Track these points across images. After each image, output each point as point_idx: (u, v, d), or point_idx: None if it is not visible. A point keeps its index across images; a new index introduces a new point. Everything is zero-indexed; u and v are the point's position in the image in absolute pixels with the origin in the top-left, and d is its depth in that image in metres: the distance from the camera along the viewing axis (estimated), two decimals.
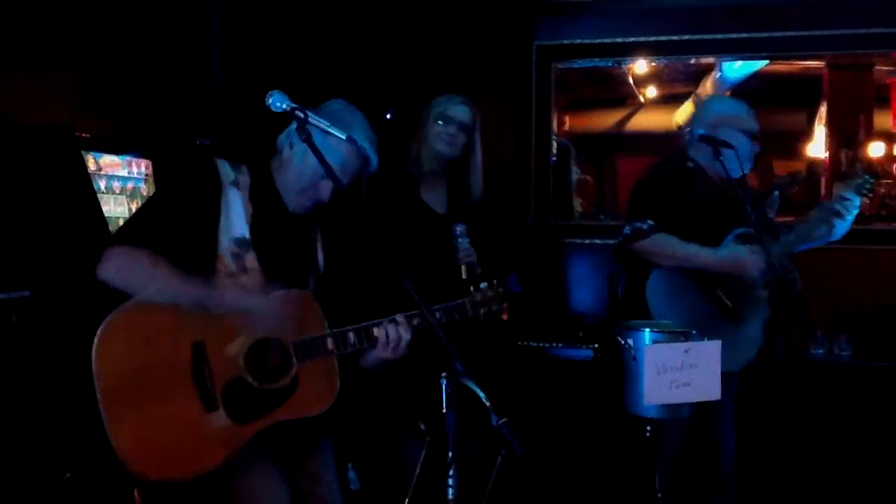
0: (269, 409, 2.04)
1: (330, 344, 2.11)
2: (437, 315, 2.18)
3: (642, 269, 2.92)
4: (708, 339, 2.44)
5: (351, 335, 2.12)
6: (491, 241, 2.92)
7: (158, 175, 3.58)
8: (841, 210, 3.00)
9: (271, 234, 2.16)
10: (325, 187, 2.16)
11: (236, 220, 2.10)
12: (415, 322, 2.17)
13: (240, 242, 2.09)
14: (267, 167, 2.22)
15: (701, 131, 2.97)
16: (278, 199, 2.19)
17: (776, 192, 5.11)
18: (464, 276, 2.74)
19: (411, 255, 2.42)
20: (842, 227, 3.01)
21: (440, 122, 2.89)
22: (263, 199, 2.16)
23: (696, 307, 2.84)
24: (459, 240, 2.77)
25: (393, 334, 2.15)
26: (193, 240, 2.04)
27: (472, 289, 2.32)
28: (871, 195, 3.07)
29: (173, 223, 2.03)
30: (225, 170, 2.13)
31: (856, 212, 3.01)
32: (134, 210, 3.42)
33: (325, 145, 2.09)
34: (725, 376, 2.76)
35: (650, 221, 2.87)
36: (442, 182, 2.98)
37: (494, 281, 2.35)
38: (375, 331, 2.15)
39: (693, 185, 2.96)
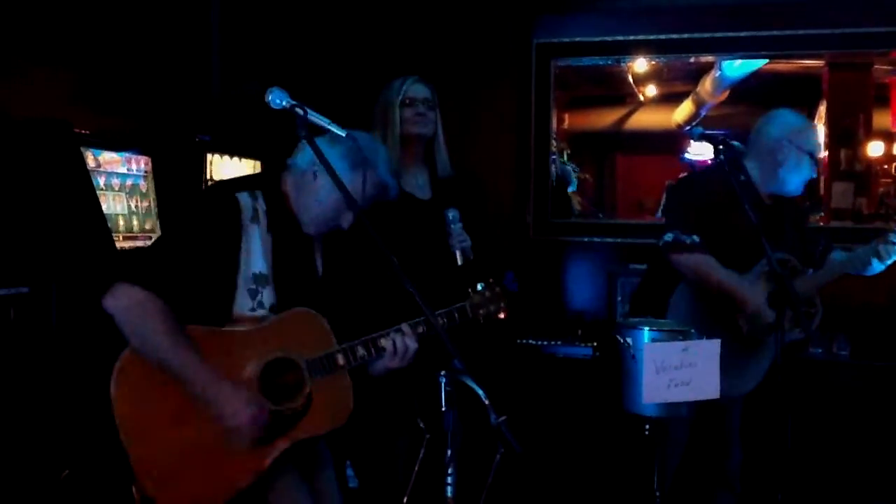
0: (287, 428, 2.06)
1: (340, 359, 2.12)
2: (441, 321, 2.20)
3: (671, 274, 2.91)
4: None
5: (360, 349, 2.13)
6: (475, 219, 2.89)
7: (159, 174, 3.58)
8: (882, 252, 2.94)
9: (291, 261, 2.17)
10: (347, 217, 2.16)
11: (255, 256, 2.08)
12: (420, 330, 2.18)
13: (257, 279, 2.08)
14: (281, 191, 2.18)
15: (699, 131, 2.95)
16: (295, 222, 2.18)
17: None
18: (458, 263, 2.72)
19: (403, 247, 2.42)
20: (877, 266, 2.96)
21: (407, 106, 2.85)
22: (282, 226, 2.15)
23: (714, 329, 2.78)
24: (452, 226, 2.74)
25: (400, 344, 2.16)
26: (210, 283, 2.03)
27: (469, 291, 2.33)
28: None
29: (191, 267, 2.01)
30: (246, 204, 2.09)
31: None
32: (133, 206, 3.43)
33: (344, 176, 2.07)
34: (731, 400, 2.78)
35: (696, 238, 2.84)
36: (420, 167, 2.94)
37: (491, 280, 2.35)
38: (382, 342, 2.16)
39: (739, 202, 2.86)
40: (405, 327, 2.17)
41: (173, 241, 2.11)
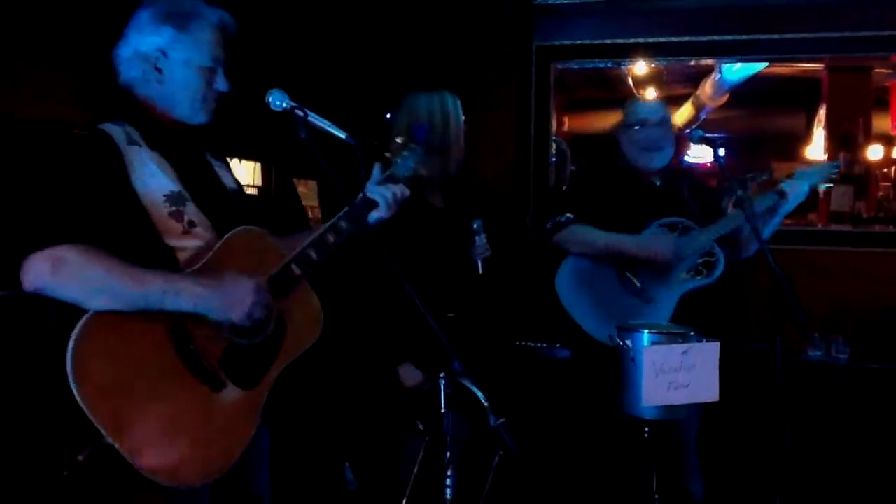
0: (270, 360, 1.96)
1: (296, 270, 2.01)
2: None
3: (553, 261, 3.07)
4: (701, 337, 2.45)
5: (312, 253, 2.03)
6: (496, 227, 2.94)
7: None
8: (786, 189, 2.97)
9: (194, 173, 2.02)
10: (219, 80, 2.11)
11: (156, 177, 1.91)
12: (342, 225, 2.09)
13: (172, 199, 1.90)
14: (141, 105, 2.05)
15: (700, 133, 2.98)
16: (174, 134, 2.04)
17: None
18: (480, 272, 2.74)
19: (414, 252, 2.41)
20: (793, 201, 2.97)
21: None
22: (163, 141, 1.99)
23: (606, 289, 2.95)
24: (477, 236, 2.76)
25: (346, 226, 2.08)
26: (116, 215, 1.83)
27: (387, 155, 2.32)
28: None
29: (87, 206, 1.80)
30: (115, 131, 1.93)
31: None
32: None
33: (183, 44, 2.08)
34: None
35: (568, 214, 3.02)
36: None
37: (399, 140, 2.37)
38: (329, 236, 2.06)
39: (620, 181, 3.11)
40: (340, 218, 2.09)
41: (56, 189, 1.84)
